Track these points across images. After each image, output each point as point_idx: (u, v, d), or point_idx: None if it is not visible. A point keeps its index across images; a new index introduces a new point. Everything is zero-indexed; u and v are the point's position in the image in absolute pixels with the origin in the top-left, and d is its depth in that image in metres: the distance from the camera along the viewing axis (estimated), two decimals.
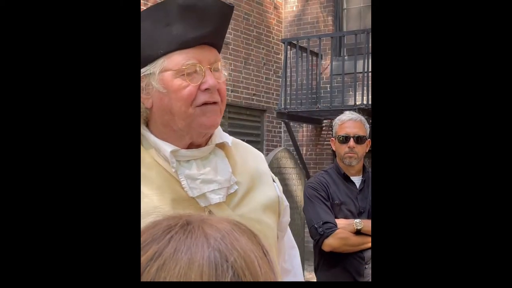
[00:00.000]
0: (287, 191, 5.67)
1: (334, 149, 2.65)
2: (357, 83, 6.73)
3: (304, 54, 7.19)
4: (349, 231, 2.43)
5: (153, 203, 1.09)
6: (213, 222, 0.61)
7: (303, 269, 6.02)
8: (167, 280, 0.54)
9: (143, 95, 1.13)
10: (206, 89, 1.11)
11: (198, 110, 1.12)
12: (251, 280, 0.56)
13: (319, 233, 2.43)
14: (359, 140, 2.53)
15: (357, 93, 6.71)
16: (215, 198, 1.15)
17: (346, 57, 7.59)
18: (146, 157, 1.14)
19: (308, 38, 7.16)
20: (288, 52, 7.19)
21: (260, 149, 7.90)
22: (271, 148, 7.73)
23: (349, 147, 2.54)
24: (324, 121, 7.89)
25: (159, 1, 1.14)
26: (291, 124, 7.48)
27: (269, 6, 8.18)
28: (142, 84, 1.12)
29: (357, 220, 2.44)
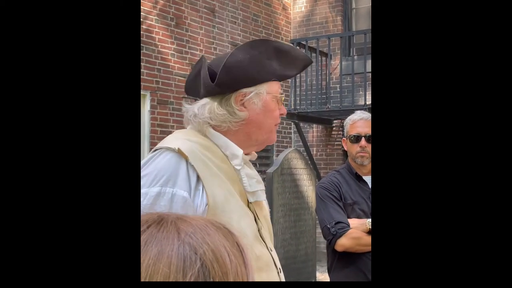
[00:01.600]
0: (298, 192, 5.65)
1: (345, 149, 2.64)
2: (367, 82, 6.71)
3: (313, 55, 7.17)
4: (361, 230, 2.41)
5: (230, 190, 1.34)
6: (188, 219, 0.64)
7: (316, 270, 6.01)
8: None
9: (240, 107, 1.39)
10: (281, 114, 1.47)
11: (273, 128, 1.46)
12: (220, 272, 0.59)
13: (332, 233, 2.42)
14: (370, 139, 2.52)
15: (367, 92, 6.68)
16: (263, 196, 1.46)
17: (355, 56, 7.57)
18: (218, 151, 1.38)
19: (317, 38, 7.15)
20: None
21: (271, 150, 7.89)
22: (281, 149, 7.72)
23: (360, 146, 2.53)
24: (334, 121, 7.87)
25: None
26: (301, 124, 7.47)
27: (277, 7, 8.18)
28: (244, 98, 1.39)
29: (370, 220, 2.43)
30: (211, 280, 0.58)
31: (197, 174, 1.29)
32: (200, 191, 1.29)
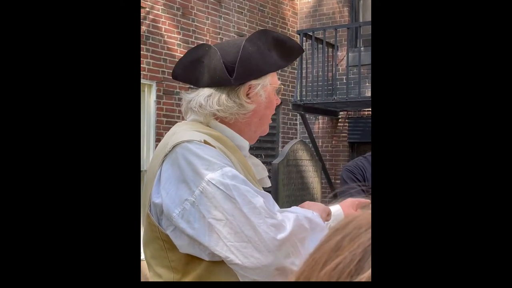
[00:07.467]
0: (304, 183, 5.65)
1: None
2: None
3: (320, 46, 7.14)
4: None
5: (248, 179, 1.32)
6: None
7: None
8: None
9: (247, 100, 1.41)
10: (277, 104, 1.50)
11: (270, 119, 1.51)
12: None
13: None
14: None
15: None
16: (268, 182, 1.52)
17: (362, 48, 7.53)
18: (228, 141, 1.39)
19: (324, 30, 7.11)
20: (304, 43, 7.15)
21: (276, 142, 7.88)
22: (287, 140, 7.72)
23: None
24: (340, 113, 7.85)
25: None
26: (307, 116, 7.45)
27: None
28: (251, 91, 1.41)
29: None
30: None
31: None
32: None
